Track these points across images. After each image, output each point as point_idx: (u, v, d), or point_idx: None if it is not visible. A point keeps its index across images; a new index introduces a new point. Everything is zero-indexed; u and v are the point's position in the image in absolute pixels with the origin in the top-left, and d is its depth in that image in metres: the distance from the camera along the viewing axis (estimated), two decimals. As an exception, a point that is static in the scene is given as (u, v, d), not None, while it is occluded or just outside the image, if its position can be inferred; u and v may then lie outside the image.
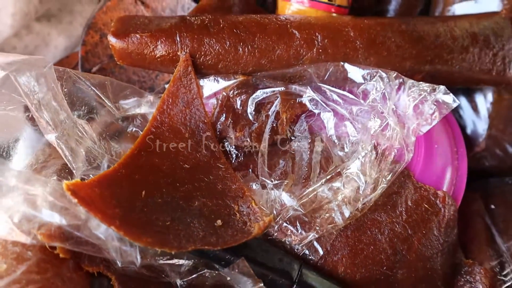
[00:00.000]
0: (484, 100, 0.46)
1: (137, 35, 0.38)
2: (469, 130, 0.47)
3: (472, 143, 0.47)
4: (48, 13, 0.57)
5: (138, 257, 0.32)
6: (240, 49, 0.39)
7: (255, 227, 0.32)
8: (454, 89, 0.48)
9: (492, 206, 0.43)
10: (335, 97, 0.39)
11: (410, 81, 0.38)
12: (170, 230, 0.31)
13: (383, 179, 0.36)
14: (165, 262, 0.32)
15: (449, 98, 0.37)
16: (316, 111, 0.39)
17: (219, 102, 0.40)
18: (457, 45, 0.42)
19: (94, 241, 0.30)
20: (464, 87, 0.48)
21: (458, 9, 0.47)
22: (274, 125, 0.40)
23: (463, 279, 0.38)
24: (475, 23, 0.43)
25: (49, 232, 0.29)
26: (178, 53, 0.38)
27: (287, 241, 0.35)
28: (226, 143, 0.40)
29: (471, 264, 0.38)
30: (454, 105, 0.36)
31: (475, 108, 0.47)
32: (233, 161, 0.39)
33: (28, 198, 0.30)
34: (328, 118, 0.39)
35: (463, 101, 0.48)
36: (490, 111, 0.46)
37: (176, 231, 0.31)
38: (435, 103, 0.37)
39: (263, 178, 0.37)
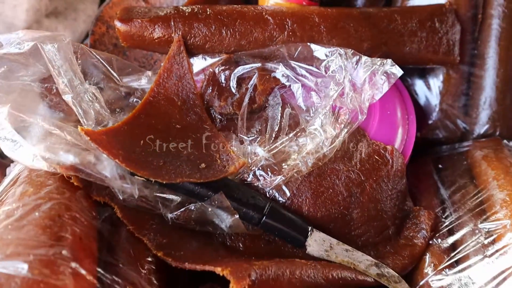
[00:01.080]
0: (436, 79, 0.55)
1: (139, 20, 0.47)
2: (423, 105, 0.56)
3: (426, 117, 0.55)
4: (55, 11, 0.66)
5: (136, 191, 0.40)
6: (224, 32, 0.48)
7: (231, 167, 0.40)
8: (412, 71, 0.57)
9: (440, 166, 0.51)
10: (303, 72, 0.48)
11: (364, 57, 0.47)
12: (162, 168, 0.39)
13: (340, 135, 0.44)
14: (158, 195, 0.40)
15: (395, 69, 0.45)
16: (287, 84, 0.48)
17: (207, 77, 0.49)
18: (406, 29, 0.50)
19: (101, 177, 0.39)
20: (419, 69, 0.56)
21: (412, 2, 0.56)
22: (252, 95, 0.48)
23: (410, 222, 0.46)
24: (424, 11, 0.51)
25: (65, 165, 0.37)
26: (172, 35, 0.47)
27: (260, 185, 0.43)
28: (211, 110, 0.48)
29: (418, 210, 0.46)
30: (399, 74, 0.45)
31: (428, 86, 0.55)
32: (217, 125, 0.48)
33: (49, 146, 0.39)
34: (297, 89, 0.47)
35: (418, 81, 0.56)
36: (441, 88, 0.54)
37: (167, 169, 0.39)
38: (384, 74, 0.46)
39: (241, 136, 0.45)
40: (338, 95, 0.45)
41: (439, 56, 0.51)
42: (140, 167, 0.38)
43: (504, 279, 0.37)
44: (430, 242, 0.44)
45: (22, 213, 0.33)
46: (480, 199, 0.44)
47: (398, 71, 0.45)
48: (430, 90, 0.55)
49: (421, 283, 0.42)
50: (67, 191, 0.36)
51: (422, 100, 0.56)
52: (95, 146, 0.37)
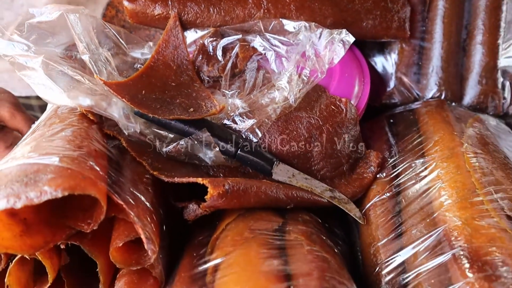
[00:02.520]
0: (392, 53, 0.66)
1: (142, 0, 0.59)
2: (382, 75, 0.67)
3: (385, 85, 0.67)
4: (77, 1, 0.79)
5: (138, 128, 0.51)
6: (211, 10, 0.60)
7: (213, 109, 0.52)
8: (372, 47, 0.68)
9: (392, 121, 0.62)
10: (276, 42, 0.60)
11: (326, 29, 0.58)
12: (159, 109, 0.51)
13: (303, 89, 0.55)
14: (156, 130, 0.52)
15: (349, 37, 0.57)
16: (263, 52, 0.60)
17: (198, 47, 0.61)
18: (363, 8, 0.62)
19: (111, 117, 0.51)
20: (379, 45, 0.68)
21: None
22: (234, 61, 0.60)
23: (362, 162, 0.57)
24: (378, -6, 0.63)
25: (84, 106, 0.49)
26: (169, 12, 0.59)
27: (237, 128, 0.54)
28: (201, 74, 0.60)
29: (368, 152, 0.57)
30: (352, 40, 0.56)
31: (386, 58, 0.67)
32: (205, 85, 0.60)
33: (70, 94, 0.51)
34: (271, 56, 0.59)
35: (378, 54, 0.68)
36: (396, 60, 0.66)
37: (163, 110, 0.51)
38: (341, 42, 0.57)
39: (224, 91, 0.57)
40: (303, 59, 0.56)
41: (392, 31, 0.63)
42: (142, 106, 0.50)
43: (428, 194, 0.48)
44: (377, 176, 0.55)
45: (52, 133, 0.45)
46: (419, 141, 0.55)
47: (351, 38, 0.56)
48: (387, 61, 0.67)
49: (367, 206, 0.53)
50: (85, 122, 0.48)
51: (381, 70, 0.67)
52: (108, 89, 0.49)
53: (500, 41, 0.64)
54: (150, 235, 0.42)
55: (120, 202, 0.41)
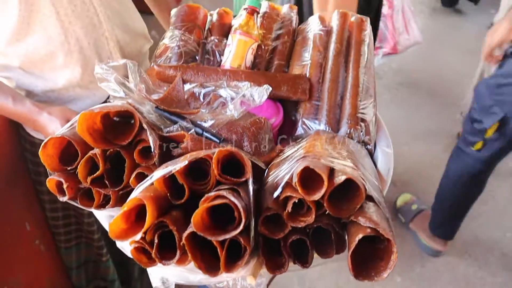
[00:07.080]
0: (300, 108, 1.25)
1: (163, 67, 1.22)
2: (294, 121, 1.25)
3: (295, 126, 1.24)
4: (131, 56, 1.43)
5: (154, 118, 1.08)
6: (199, 74, 1.22)
7: (192, 111, 1.09)
8: (291, 105, 1.28)
9: (294, 137, 1.17)
10: (232, 93, 1.20)
11: (258, 87, 1.19)
12: (166, 105, 1.08)
13: (240, 112, 1.13)
14: (163, 120, 1.08)
15: (268, 89, 1.16)
16: (225, 97, 1.19)
17: (189, 93, 1.21)
18: (282, 80, 1.23)
19: (140, 110, 1.08)
20: (294, 104, 1.27)
21: (292, 70, 1.31)
22: (209, 101, 1.19)
23: (272, 150, 1.10)
24: (292, 75, 1.25)
25: (129, 105, 1.07)
26: (177, 74, 1.21)
27: (205, 125, 1.10)
28: (190, 105, 1.19)
29: (276, 146, 1.11)
30: (269, 90, 1.16)
31: (297, 111, 1.26)
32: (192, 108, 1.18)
33: (124, 96, 1.09)
34: (228, 99, 1.19)
35: (292, 109, 1.27)
36: (302, 112, 1.24)
37: (168, 107, 1.08)
38: (264, 91, 1.17)
39: (201, 110, 1.15)
40: (245, 100, 1.16)
41: (297, 95, 1.23)
42: (158, 102, 1.07)
43: (296, 154, 1.01)
44: (279, 155, 1.08)
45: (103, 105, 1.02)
46: (301, 144, 1.10)
47: (269, 89, 1.16)
48: (298, 113, 1.25)
49: (270, 165, 1.05)
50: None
51: (293, 118, 1.25)
52: (143, 95, 1.07)
53: (359, 102, 1.23)
54: (155, 146, 0.95)
55: (143, 123, 0.96)
